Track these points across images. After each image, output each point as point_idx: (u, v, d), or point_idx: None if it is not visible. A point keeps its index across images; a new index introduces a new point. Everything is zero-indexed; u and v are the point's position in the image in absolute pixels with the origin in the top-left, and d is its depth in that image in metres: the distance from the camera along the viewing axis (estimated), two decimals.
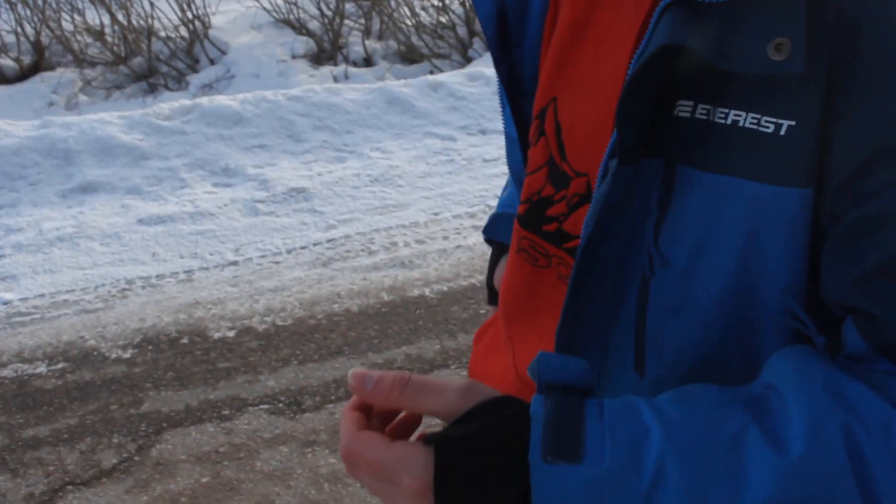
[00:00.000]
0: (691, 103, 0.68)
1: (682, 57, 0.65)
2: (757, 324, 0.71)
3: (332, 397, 3.51)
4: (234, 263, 4.63)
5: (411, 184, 5.32)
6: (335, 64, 8.52)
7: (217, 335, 3.99)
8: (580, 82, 0.83)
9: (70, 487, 3.13)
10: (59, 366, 3.83)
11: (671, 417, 0.62)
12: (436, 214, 5.00)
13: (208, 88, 8.09)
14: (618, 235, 0.74)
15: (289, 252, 4.71)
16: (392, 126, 5.97)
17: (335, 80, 8.08)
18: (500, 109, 1.04)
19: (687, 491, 0.59)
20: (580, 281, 0.76)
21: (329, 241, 4.79)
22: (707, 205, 0.69)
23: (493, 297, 1.28)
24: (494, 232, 1.31)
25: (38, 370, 3.80)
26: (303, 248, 4.74)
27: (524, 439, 0.61)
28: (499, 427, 0.63)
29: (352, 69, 8.30)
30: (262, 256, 4.67)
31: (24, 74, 8.61)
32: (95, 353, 3.91)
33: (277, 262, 4.61)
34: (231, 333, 3.99)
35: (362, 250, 4.67)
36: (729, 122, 0.67)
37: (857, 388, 0.63)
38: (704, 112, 0.68)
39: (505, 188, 1.37)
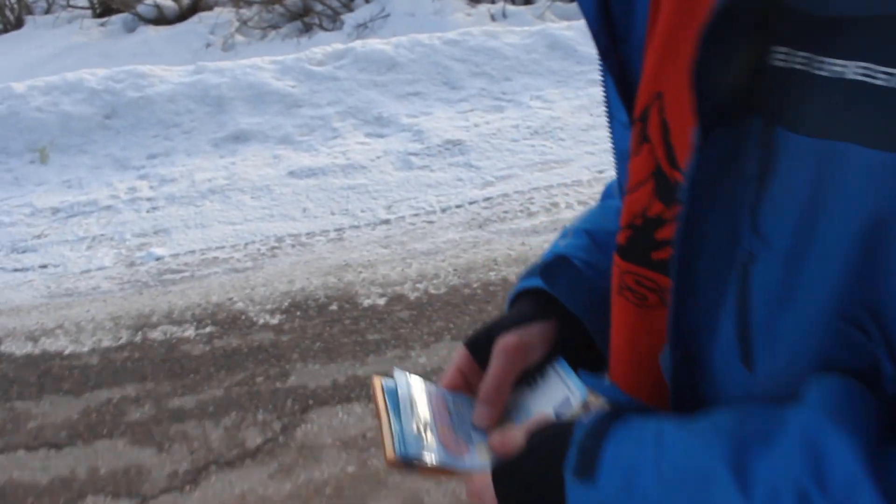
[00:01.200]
0: (786, 50, 0.58)
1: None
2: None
3: None
4: (386, 222, 4.39)
5: (574, 137, 4.93)
6: (492, 0, 8.12)
7: (367, 302, 3.77)
8: (689, 69, 0.68)
9: (214, 467, 2.99)
10: (207, 329, 3.70)
11: (667, 446, 0.67)
12: (600, 172, 4.60)
13: (363, 28, 7.86)
14: (715, 215, 0.66)
15: (443, 211, 4.43)
16: (553, 73, 5.56)
17: (492, 18, 7.69)
18: (607, 122, 0.89)
19: None
20: (682, 272, 0.69)
21: (486, 199, 4.48)
22: (812, 175, 0.58)
23: (479, 359, 0.98)
24: (550, 279, 0.98)
25: (186, 333, 3.69)
26: (458, 206, 4.45)
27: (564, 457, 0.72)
28: (542, 446, 0.77)
29: (510, 7, 7.88)
30: (415, 215, 4.42)
31: (183, 15, 8.62)
32: (243, 317, 3.76)
33: (431, 222, 4.34)
34: (381, 301, 3.77)
35: (521, 211, 4.34)
36: (831, 73, 0.55)
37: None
38: (803, 61, 0.57)
39: (563, 235, 1.08)
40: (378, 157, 4.92)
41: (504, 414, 0.91)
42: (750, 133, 0.62)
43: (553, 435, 0.77)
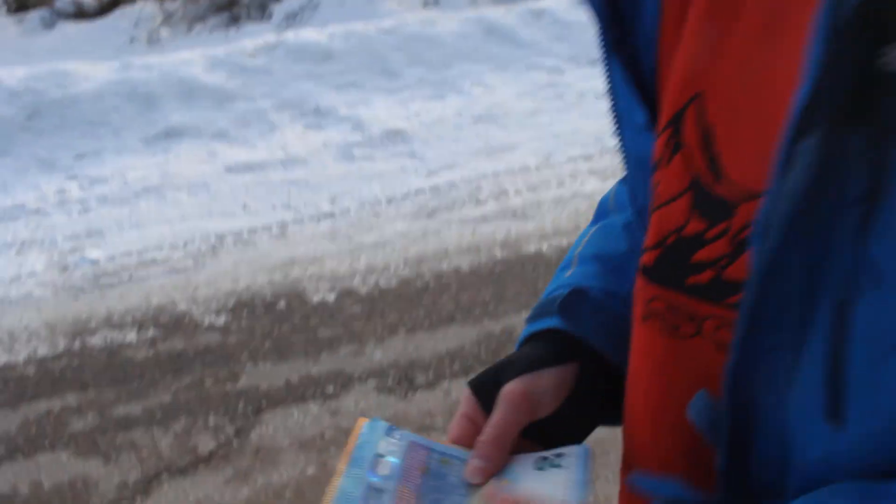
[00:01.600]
0: None
1: None
2: None
3: (447, 373, 3.15)
4: (331, 215, 4.27)
5: (518, 122, 4.87)
6: None
7: (316, 298, 3.65)
8: (742, 66, 0.63)
9: (165, 475, 2.85)
10: (150, 333, 3.55)
11: None
12: (547, 157, 4.55)
13: (292, 18, 7.69)
14: (808, 241, 0.56)
15: (389, 202, 4.33)
16: (493, 58, 5.49)
17: (424, 5, 7.59)
18: (615, 125, 0.78)
19: None
20: (758, 309, 0.58)
21: (432, 188, 4.39)
22: None
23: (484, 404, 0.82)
24: (570, 316, 0.83)
25: (127, 338, 3.53)
26: (404, 197, 4.35)
27: None
28: None
29: None
30: (361, 207, 4.30)
31: (103, 9, 8.33)
32: (187, 318, 3.61)
33: (377, 214, 4.24)
34: (331, 296, 3.65)
35: (469, 199, 4.26)
36: None
37: None
38: None
39: (566, 266, 0.94)
40: (318, 150, 4.79)
41: (498, 472, 0.77)
42: (851, 146, 0.53)
43: None
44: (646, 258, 0.70)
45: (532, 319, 0.86)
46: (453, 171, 4.47)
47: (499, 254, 3.80)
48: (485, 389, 0.80)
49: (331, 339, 3.39)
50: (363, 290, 3.67)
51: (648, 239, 0.70)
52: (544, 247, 3.82)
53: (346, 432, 2.90)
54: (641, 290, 0.72)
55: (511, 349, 2.96)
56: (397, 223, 4.12)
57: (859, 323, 0.56)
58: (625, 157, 0.80)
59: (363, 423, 0.76)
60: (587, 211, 4.03)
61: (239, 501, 2.71)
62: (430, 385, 3.10)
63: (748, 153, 0.62)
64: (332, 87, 5.27)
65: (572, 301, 0.82)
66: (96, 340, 3.53)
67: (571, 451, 0.76)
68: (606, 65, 0.74)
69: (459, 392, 3.04)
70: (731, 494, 0.63)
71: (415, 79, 5.30)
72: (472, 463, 0.75)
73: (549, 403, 0.79)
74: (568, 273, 0.91)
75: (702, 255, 0.65)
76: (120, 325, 3.61)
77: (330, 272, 3.81)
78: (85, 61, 5.58)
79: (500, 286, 3.58)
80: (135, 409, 3.15)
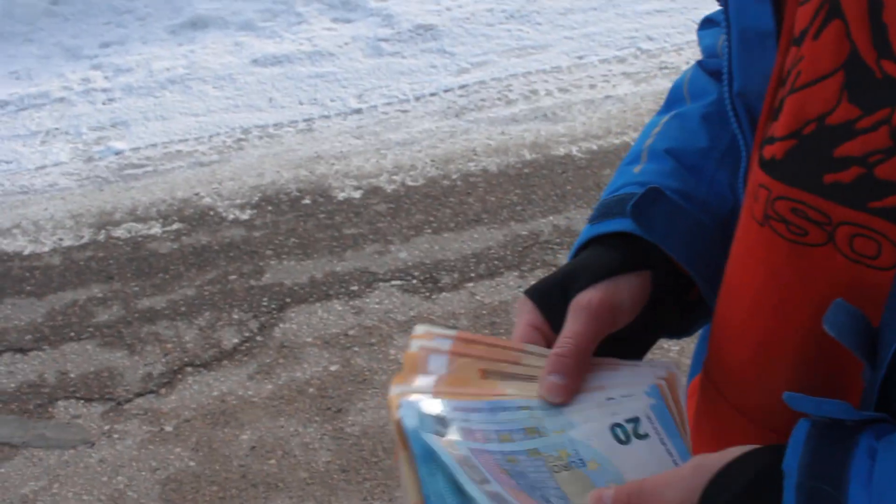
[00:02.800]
0: None
1: None
2: None
3: (472, 274, 3.12)
4: (358, 111, 4.19)
5: (551, 21, 4.71)
6: None
7: (342, 195, 3.61)
8: None
9: (189, 369, 2.87)
10: (174, 227, 3.53)
11: None
12: (580, 58, 4.41)
13: None
14: None
15: (417, 99, 4.23)
16: None
17: None
18: None
19: None
20: None
21: (461, 87, 4.29)
22: None
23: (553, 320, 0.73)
24: (644, 220, 0.74)
25: (152, 231, 3.52)
26: (432, 94, 4.26)
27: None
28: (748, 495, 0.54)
29: None
30: (388, 104, 4.22)
31: None
32: (212, 212, 3.59)
33: (405, 111, 4.15)
34: (357, 194, 3.61)
35: (499, 99, 4.16)
36: None
37: None
38: None
39: (634, 160, 0.83)
40: (346, 44, 4.67)
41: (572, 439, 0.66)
42: None
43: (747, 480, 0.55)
44: (773, 150, 0.62)
45: (596, 220, 0.78)
46: (483, 70, 4.36)
47: (527, 155, 3.73)
48: (549, 302, 0.72)
49: (355, 237, 3.36)
50: (389, 188, 3.62)
51: (778, 127, 0.61)
52: (574, 150, 3.73)
53: (371, 332, 2.90)
54: (762, 189, 0.63)
55: (538, 252, 2.95)
56: (425, 121, 4.04)
57: None
58: (727, 29, 0.70)
59: (400, 415, 0.64)
60: (619, 115, 3.93)
61: (262, 396, 2.73)
62: (455, 286, 3.08)
63: None
64: None
65: (646, 203, 0.74)
66: (121, 232, 3.52)
67: (640, 408, 0.67)
68: None
69: (484, 294, 3.02)
70: (882, 410, 0.56)
71: None
72: (551, 380, 0.67)
73: (628, 313, 0.72)
74: (637, 168, 0.82)
75: (848, 148, 0.57)
76: (144, 218, 3.60)
77: (356, 169, 3.76)
78: None
79: (528, 188, 3.52)
80: (159, 301, 3.16)
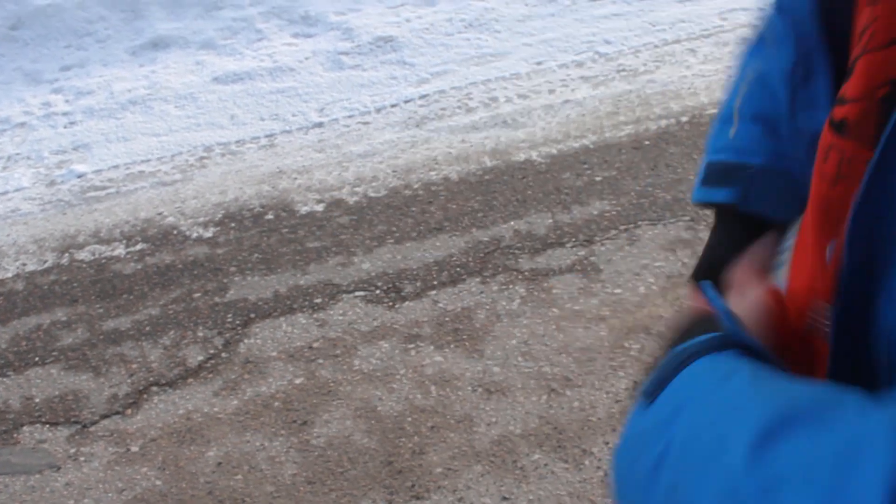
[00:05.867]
0: None
1: None
2: None
3: (434, 282, 3.14)
4: (319, 125, 4.21)
5: (510, 28, 4.75)
6: None
7: (304, 209, 3.62)
8: None
9: (155, 388, 2.87)
10: (138, 247, 3.53)
11: (722, 393, 0.56)
12: (539, 64, 4.45)
13: None
14: None
15: (378, 111, 4.25)
16: None
17: None
18: None
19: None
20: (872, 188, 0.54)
21: (422, 97, 4.31)
22: None
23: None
24: (756, 196, 0.89)
25: (116, 252, 3.52)
26: (393, 105, 4.28)
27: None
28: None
29: None
30: (349, 117, 4.24)
31: None
32: (175, 231, 3.59)
33: (366, 123, 4.17)
34: (319, 207, 3.62)
35: (459, 107, 4.19)
36: None
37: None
38: None
39: (726, 121, 0.92)
40: (307, 59, 4.69)
41: None
42: None
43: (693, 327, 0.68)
44: (845, 111, 0.62)
45: (708, 184, 0.91)
46: (443, 79, 4.39)
47: (488, 162, 3.75)
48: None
49: (319, 250, 3.37)
50: (351, 200, 3.63)
51: (850, 88, 0.61)
52: (534, 155, 3.76)
53: (335, 343, 2.91)
54: (835, 152, 0.63)
55: (499, 258, 2.98)
56: (386, 132, 4.06)
57: None
58: None
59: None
60: (578, 119, 3.96)
61: (228, 412, 2.73)
62: (418, 294, 3.09)
63: None
64: None
65: (758, 182, 0.87)
66: (85, 255, 3.52)
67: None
68: None
69: (447, 301, 3.04)
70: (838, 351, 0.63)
71: None
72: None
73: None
74: (732, 131, 0.91)
75: None
76: (108, 240, 3.60)
77: (318, 183, 3.77)
78: None
79: (489, 195, 3.54)
80: (124, 322, 3.16)
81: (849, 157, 0.62)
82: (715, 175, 0.91)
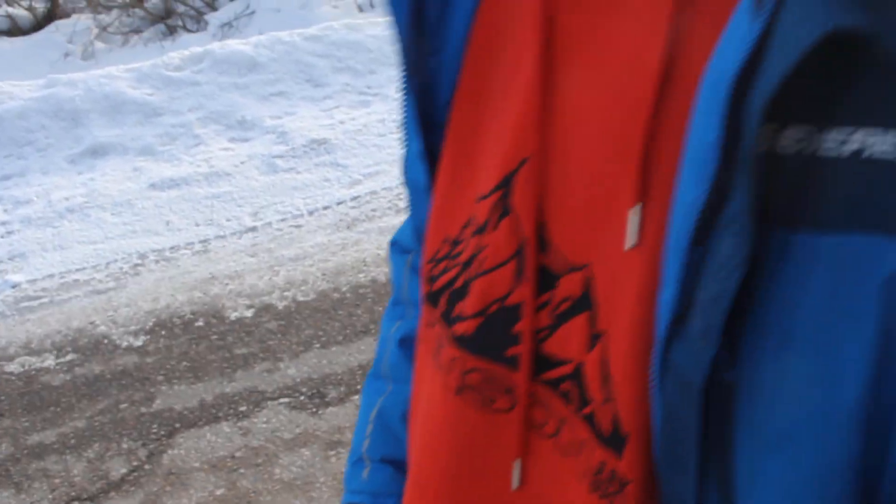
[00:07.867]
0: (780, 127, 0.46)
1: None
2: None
3: (358, 386, 3.18)
4: (253, 230, 4.29)
5: None
6: None
7: (234, 315, 3.67)
8: (575, 128, 0.59)
9: (76, 503, 2.87)
10: (68, 357, 3.55)
11: None
12: None
13: (228, 28, 7.67)
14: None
15: (310, 213, 4.35)
16: None
17: (360, 9, 7.61)
18: (404, 144, 0.77)
19: None
20: (672, 408, 0.54)
21: (353, 198, 4.42)
22: (823, 280, 0.46)
23: None
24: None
25: (45, 363, 3.54)
26: (325, 208, 4.38)
27: None
28: None
29: None
30: (282, 220, 4.33)
31: (38, 24, 8.26)
32: (106, 341, 3.62)
33: (299, 226, 4.26)
34: (249, 313, 3.67)
35: (389, 208, 4.29)
36: (845, 151, 0.45)
37: None
38: (801, 140, 0.46)
39: (355, 474, 0.99)
40: (242, 163, 4.80)
41: None
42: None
43: None
44: (464, 327, 0.67)
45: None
46: (375, 180, 4.50)
47: None
48: None
49: (246, 357, 3.41)
50: (280, 305, 3.70)
51: (467, 306, 0.67)
52: None
53: (258, 452, 2.94)
54: (455, 362, 0.69)
55: None
56: (318, 235, 4.15)
57: (739, 418, 0.52)
58: (407, 186, 0.80)
59: None
60: None
61: None
62: (342, 399, 3.14)
63: (579, 223, 0.60)
64: (257, 98, 5.28)
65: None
66: (14, 367, 3.53)
67: None
68: (405, 86, 0.70)
69: None
70: None
71: (340, 86, 5.32)
72: None
73: None
74: (365, 473, 0.95)
75: (521, 326, 0.63)
76: (39, 351, 3.62)
77: (249, 288, 3.83)
78: (9, 80, 5.55)
79: None
80: (49, 436, 3.16)
81: (467, 369, 0.68)
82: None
